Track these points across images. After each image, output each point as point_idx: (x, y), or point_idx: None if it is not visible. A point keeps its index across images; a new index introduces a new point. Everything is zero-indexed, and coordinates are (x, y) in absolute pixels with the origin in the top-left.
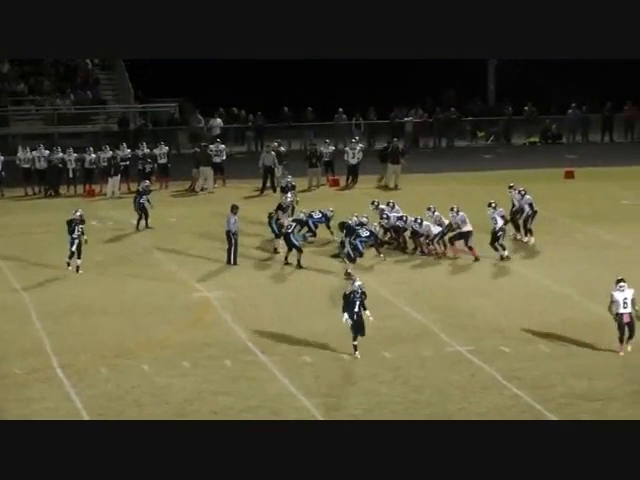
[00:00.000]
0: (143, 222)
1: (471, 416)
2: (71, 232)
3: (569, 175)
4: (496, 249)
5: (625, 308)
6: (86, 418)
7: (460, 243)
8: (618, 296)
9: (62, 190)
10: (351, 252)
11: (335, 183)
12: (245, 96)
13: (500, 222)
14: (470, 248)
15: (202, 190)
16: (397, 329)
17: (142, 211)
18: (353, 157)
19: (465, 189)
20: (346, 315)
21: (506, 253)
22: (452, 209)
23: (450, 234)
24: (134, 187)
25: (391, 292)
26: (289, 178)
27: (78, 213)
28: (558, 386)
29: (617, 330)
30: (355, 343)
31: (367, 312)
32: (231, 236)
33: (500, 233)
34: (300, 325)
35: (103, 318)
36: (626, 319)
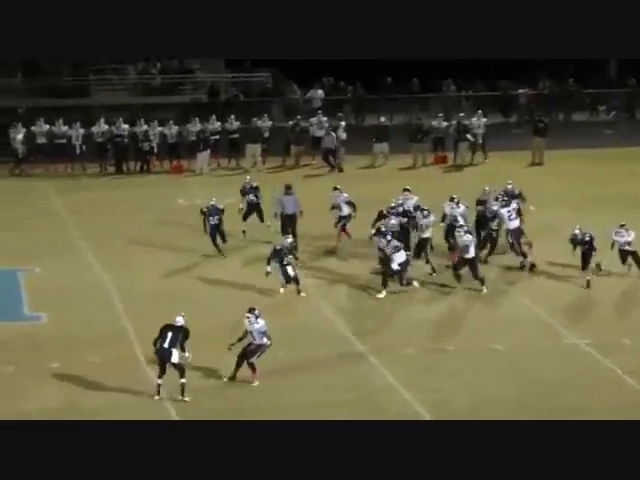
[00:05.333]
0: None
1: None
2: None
3: None
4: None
5: None
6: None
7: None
8: None
9: (145, 166)
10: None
11: (442, 160)
12: (343, 65)
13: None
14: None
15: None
16: (508, 319)
17: (219, 233)
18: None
19: (584, 168)
20: None
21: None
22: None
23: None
24: (224, 163)
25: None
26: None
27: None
28: None
29: None
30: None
31: None
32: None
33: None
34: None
35: (185, 306)
36: None
